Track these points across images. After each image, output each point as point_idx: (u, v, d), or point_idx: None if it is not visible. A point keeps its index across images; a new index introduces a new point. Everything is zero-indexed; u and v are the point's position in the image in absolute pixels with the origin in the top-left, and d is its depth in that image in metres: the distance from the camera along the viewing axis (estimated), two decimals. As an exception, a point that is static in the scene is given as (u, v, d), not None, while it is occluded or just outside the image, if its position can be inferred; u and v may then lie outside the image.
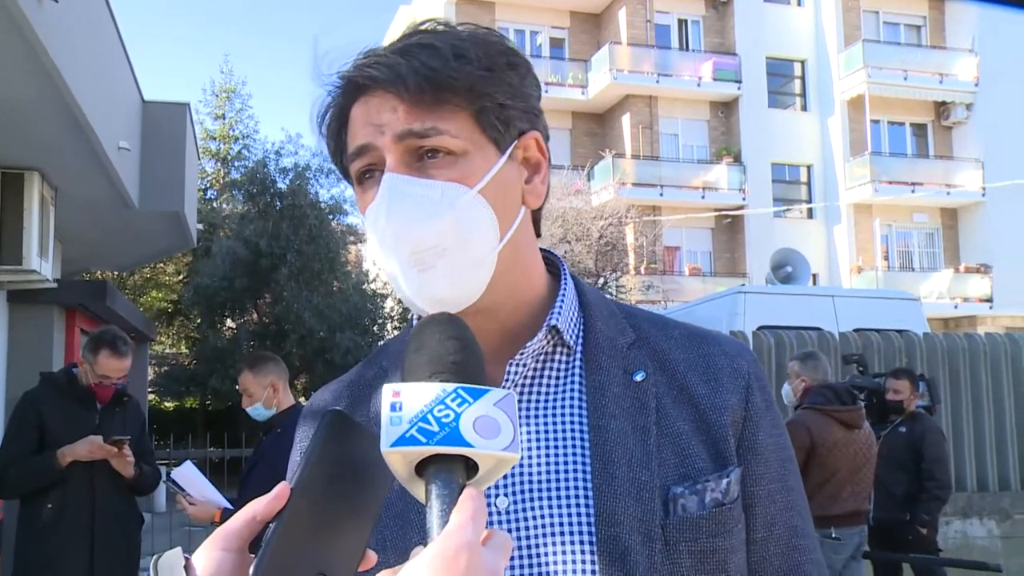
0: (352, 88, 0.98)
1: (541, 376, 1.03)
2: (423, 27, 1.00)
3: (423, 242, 0.93)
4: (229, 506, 4.25)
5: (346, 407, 1.10)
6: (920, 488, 6.13)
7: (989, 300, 24.79)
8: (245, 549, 0.72)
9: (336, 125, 1.02)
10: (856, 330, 8.39)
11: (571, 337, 1.05)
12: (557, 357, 1.04)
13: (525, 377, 1.03)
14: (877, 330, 8.42)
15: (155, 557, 0.71)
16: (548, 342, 1.04)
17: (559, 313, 1.04)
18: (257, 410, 4.36)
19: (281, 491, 0.71)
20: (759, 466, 1.03)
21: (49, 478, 4.20)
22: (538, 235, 1.09)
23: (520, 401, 1.01)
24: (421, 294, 0.95)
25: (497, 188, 0.98)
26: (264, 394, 4.34)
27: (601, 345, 1.05)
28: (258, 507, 0.71)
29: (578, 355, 1.05)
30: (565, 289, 1.08)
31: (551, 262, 1.12)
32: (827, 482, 5.21)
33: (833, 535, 5.19)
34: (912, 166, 25.89)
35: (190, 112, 10.07)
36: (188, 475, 4.34)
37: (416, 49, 0.95)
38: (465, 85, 0.95)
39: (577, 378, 1.03)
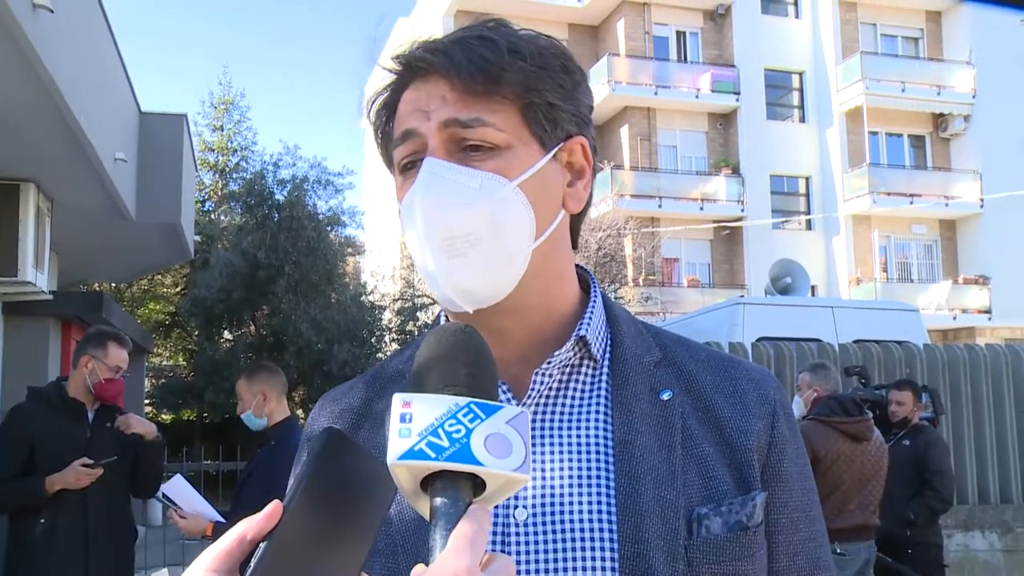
0: (406, 71, 1.00)
1: (566, 388, 1.01)
2: (484, 23, 1.00)
3: (456, 228, 0.93)
4: (221, 519, 4.23)
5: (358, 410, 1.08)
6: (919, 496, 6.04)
7: (988, 311, 24.76)
8: (235, 570, 0.68)
9: (386, 113, 1.03)
10: (856, 341, 8.35)
11: (598, 350, 1.03)
12: (583, 370, 1.03)
13: (550, 388, 1.01)
14: (877, 341, 8.39)
15: None
16: (575, 354, 1.02)
17: (588, 324, 1.02)
18: (248, 417, 4.36)
19: (273, 510, 0.68)
20: (783, 494, 1.01)
21: (34, 503, 4.13)
22: (575, 246, 1.08)
23: (544, 413, 1.00)
24: (450, 281, 0.94)
25: (537, 186, 0.97)
26: (253, 401, 4.32)
27: (628, 361, 1.03)
28: (249, 526, 0.68)
29: (605, 369, 1.03)
30: (595, 302, 1.06)
31: (582, 277, 1.10)
32: (831, 495, 5.08)
33: (838, 550, 5.05)
34: (910, 178, 25.92)
35: (187, 123, 10.05)
36: (179, 489, 4.33)
37: (473, 40, 0.96)
38: (516, 79, 0.95)
39: (603, 392, 1.01)
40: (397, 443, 0.68)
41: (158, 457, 4.52)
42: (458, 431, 0.68)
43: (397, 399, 0.70)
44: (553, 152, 1.00)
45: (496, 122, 0.95)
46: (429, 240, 0.93)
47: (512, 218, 0.95)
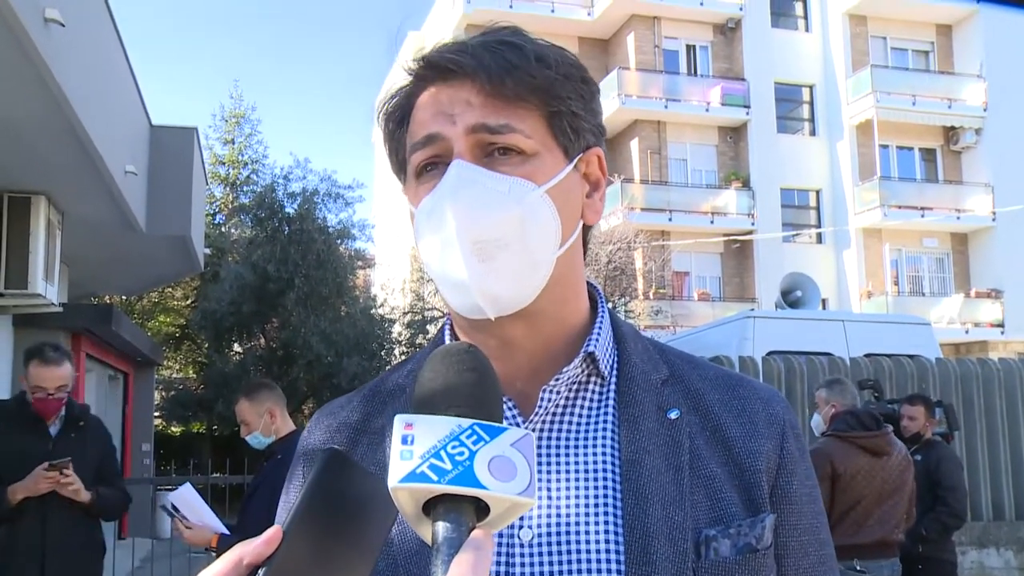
0: (430, 71, 0.97)
1: (574, 406, 0.99)
2: (502, 30, 0.99)
3: (487, 232, 0.91)
4: (226, 531, 4.20)
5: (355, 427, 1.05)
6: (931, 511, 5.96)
7: (1001, 325, 24.61)
8: None
9: (399, 115, 1.01)
10: (867, 355, 8.29)
11: (606, 367, 1.01)
12: (591, 387, 1.01)
13: (557, 405, 0.99)
14: (889, 355, 8.32)
15: None
16: (583, 371, 1.00)
17: (596, 340, 1.00)
18: (256, 438, 4.32)
19: (272, 535, 0.66)
20: (792, 516, 0.99)
21: None
22: (584, 256, 1.07)
23: (551, 431, 0.98)
24: (479, 286, 0.92)
25: (562, 194, 0.97)
26: (261, 422, 4.30)
27: (636, 379, 1.01)
28: (246, 550, 0.66)
29: (612, 387, 1.01)
30: (602, 318, 1.04)
31: (589, 293, 1.09)
32: (850, 511, 5.00)
33: (858, 567, 4.97)
34: (921, 191, 25.83)
35: (198, 136, 10.09)
36: (186, 498, 4.27)
37: (498, 45, 0.95)
38: (543, 86, 0.95)
39: (611, 410, 0.99)
40: (399, 466, 0.66)
41: (105, 511, 4.45)
42: (461, 453, 0.66)
43: (399, 420, 0.69)
44: (575, 162, 0.99)
45: (524, 128, 0.94)
46: (461, 243, 0.91)
47: (540, 224, 0.94)
